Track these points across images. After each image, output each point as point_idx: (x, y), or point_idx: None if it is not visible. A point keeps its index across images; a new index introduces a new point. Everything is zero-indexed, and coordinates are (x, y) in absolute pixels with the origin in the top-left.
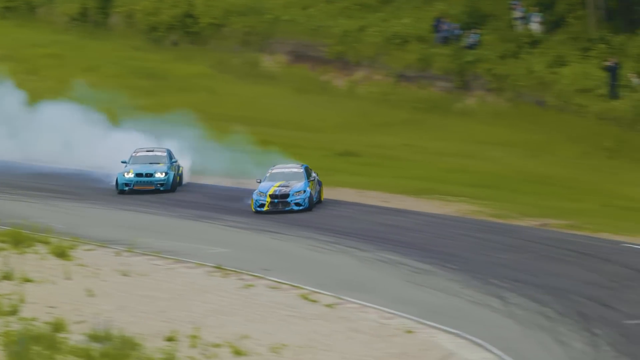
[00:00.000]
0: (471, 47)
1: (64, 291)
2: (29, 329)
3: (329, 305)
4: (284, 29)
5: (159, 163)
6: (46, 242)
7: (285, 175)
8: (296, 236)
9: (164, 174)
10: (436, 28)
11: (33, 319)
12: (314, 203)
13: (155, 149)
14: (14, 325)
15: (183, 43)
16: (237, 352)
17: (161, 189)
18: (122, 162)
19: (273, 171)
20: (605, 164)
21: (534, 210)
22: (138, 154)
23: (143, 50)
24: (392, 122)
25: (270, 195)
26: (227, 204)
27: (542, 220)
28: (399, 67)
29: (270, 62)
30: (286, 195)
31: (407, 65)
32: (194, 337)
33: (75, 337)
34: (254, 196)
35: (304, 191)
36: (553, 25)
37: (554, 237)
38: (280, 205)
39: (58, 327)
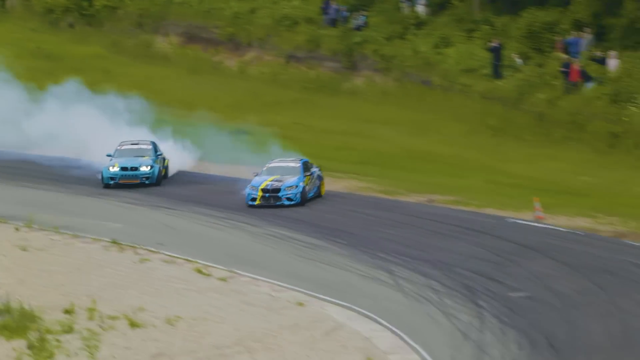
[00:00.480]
0: (358, 28)
1: None
2: None
3: (222, 279)
4: (177, 11)
5: (144, 156)
6: None
7: (281, 169)
8: (190, 212)
9: (149, 167)
10: (324, 10)
11: None
12: (308, 198)
13: (140, 142)
14: None
15: (79, 25)
16: (133, 324)
17: (146, 182)
18: (107, 155)
19: (270, 165)
20: (489, 142)
21: (420, 186)
22: (123, 147)
23: (40, 32)
24: (283, 101)
25: (262, 190)
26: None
27: (429, 196)
28: (288, 48)
29: (163, 43)
30: (277, 190)
31: (296, 46)
32: (91, 309)
33: None
34: (247, 190)
35: (296, 186)
36: (438, 7)
37: (440, 213)
38: (272, 199)
39: None
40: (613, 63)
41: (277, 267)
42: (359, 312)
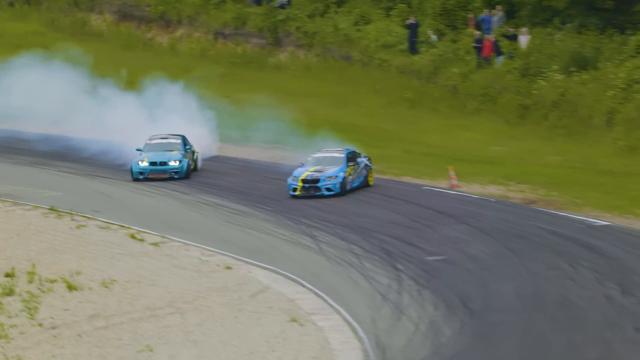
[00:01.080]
0: (282, 6)
1: None
2: None
3: (154, 244)
4: None
5: (173, 150)
6: None
7: (326, 159)
8: (124, 181)
9: (178, 162)
10: None
11: None
12: (353, 187)
13: (169, 136)
14: None
15: (18, 3)
16: (71, 287)
17: (175, 177)
18: (137, 149)
19: (315, 155)
20: (406, 114)
21: None
22: (152, 142)
23: None
24: (211, 76)
25: (302, 180)
26: (60, 151)
27: None
28: (216, 25)
29: (98, 21)
30: (317, 181)
31: (224, 24)
32: (31, 273)
33: None
34: (289, 180)
35: (336, 176)
36: None
37: None
38: (311, 190)
39: None
40: (523, 39)
41: (206, 233)
42: (284, 275)
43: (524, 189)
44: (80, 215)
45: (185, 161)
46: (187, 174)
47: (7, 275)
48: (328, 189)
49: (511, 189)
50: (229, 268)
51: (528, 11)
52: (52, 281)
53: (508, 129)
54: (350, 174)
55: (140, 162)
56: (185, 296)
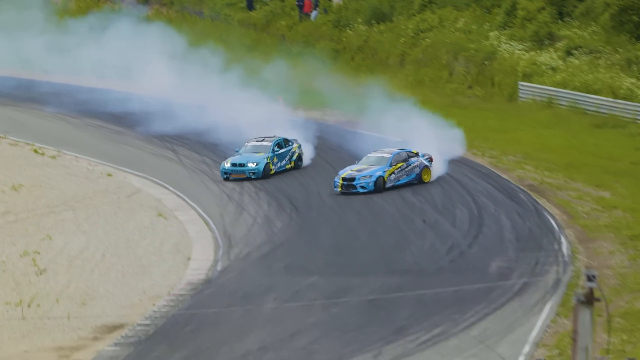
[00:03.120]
0: None
1: None
2: None
3: (52, 157)
4: None
5: (259, 153)
6: None
7: (373, 159)
8: (29, 109)
9: (255, 164)
10: None
11: None
12: (398, 184)
13: (265, 139)
14: None
15: None
16: None
17: (252, 177)
18: (235, 150)
19: (368, 155)
20: (246, 56)
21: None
22: (249, 144)
23: None
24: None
25: (342, 178)
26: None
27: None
28: None
29: None
30: (353, 179)
31: None
32: None
33: None
34: (335, 179)
35: (370, 176)
36: None
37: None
38: (350, 187)
39: None
40: None
41: (92, 148)
42: (151, 180)
43: (337, 114)
44: None
45: (263, 163)
46: (265, 175)
47: None
48: (362, 187)
49: (328, 114)
50: (110, 175)
51: None
52: None
53: (324, 68)
54: (390, 173)
55: (225, 164)
56: (76, 197)
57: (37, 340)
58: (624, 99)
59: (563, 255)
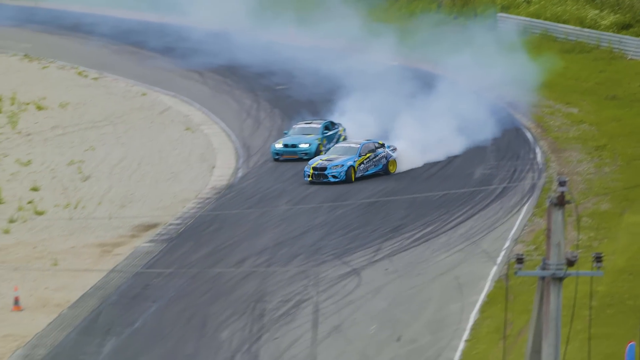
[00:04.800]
0: None
1: None
2: None
3: (95, 79)
4: None
5: (309, 134)
6: None
7: (342, 149)
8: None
9: (307, 144)
10: None
11: None
12: (367, 174)
13: (313, 122)
14: None
15: None
16: (39, 107)
17: (304, 157)
18: (284, 132)
19: (336, 145)
20: None
21: None
22: (297, 126)
23: None
24: None
25: (312, 168)
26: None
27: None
28: None
29: None
30: (324, 169)
31: None
32: (12, 98)
33: None
34: (305, 167)
35: (342, 165)
36: None
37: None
38: (320, 177)
39: None
40: None
41: (129, 72)
42: (181, 99)
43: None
44: (44, 60)
45: (315, 144)
46: (316, 154)
47: None
48: (334, 176)
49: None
50: (144, 94)
51: None
52: (27, 104)
53: None
54: (360, 163)
55: (276, 144)
56: (116, 113)
57: (83, 238)
58: (589, 27)
59: (538, 164)
